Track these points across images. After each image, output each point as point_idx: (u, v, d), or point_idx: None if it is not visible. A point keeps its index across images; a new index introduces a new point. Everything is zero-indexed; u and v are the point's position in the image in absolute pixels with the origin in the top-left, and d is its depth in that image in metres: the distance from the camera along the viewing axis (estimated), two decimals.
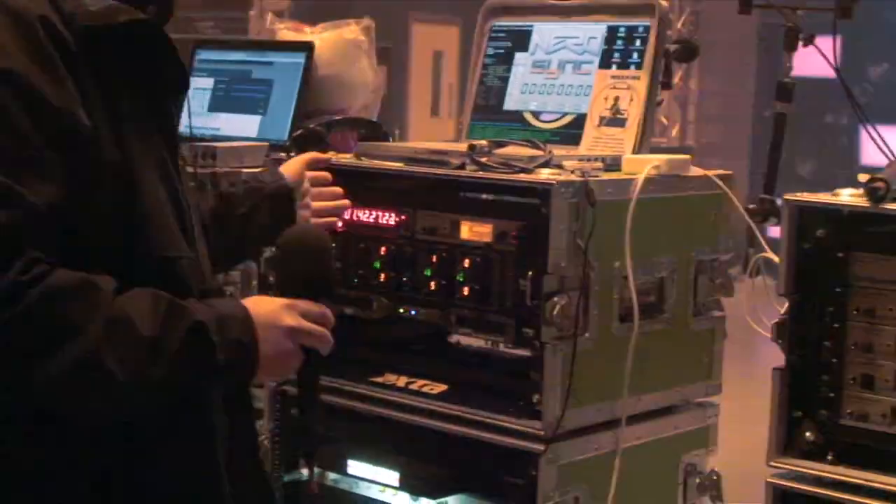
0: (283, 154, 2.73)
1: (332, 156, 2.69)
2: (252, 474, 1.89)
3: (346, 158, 2.69)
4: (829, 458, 2.06)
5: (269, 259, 2.68)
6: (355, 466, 2.59)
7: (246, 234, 2.31)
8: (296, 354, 1.76)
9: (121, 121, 1.66)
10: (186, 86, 1.84)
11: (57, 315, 1.52)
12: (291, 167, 2.46)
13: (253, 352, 1.68)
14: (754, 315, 2.36)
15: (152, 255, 1.67)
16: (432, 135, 11.16)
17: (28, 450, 1.62)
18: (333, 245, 2.01)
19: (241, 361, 1.68)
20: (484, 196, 2.42)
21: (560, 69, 2.79)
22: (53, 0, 1.63)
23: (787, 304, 2.11)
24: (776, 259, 2.16)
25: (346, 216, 2.60)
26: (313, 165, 2.51)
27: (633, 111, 2.65)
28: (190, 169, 3.33)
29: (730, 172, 2.64)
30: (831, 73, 3.81)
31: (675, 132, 12.91)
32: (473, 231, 2.42)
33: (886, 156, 2.72)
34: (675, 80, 11.80)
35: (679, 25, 12.60)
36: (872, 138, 3.04)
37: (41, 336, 1.52)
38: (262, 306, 1.75)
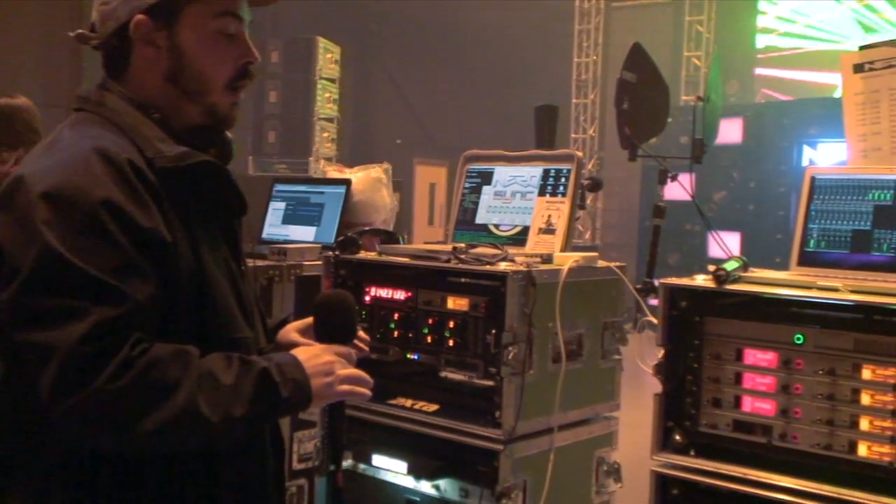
0: (330, 252, 2.71)
1: (362, 254, 2.69)
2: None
3: (373, 255, 2.69)
4: (692, 453, 2.04)
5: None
6: (377, 459, 2.57)
7: None
8: (343, 378, 1.58)
9: (195, 236, 1.53)
10: (244, 210, 1.66)
11: (160, 377, 1.38)
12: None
13: (307, 385, 1.53)
14: (641, 358, 2.36)
15: (223, 336, 1.54)
16: (429, 238, 11.21)
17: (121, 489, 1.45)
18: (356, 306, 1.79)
19: (299, 394, 1.52)
20: (463, 280, 2.42)
21: (513, 196, 2.81)
22: (138, 148, 1.50)
23: (663, 351, 2.10)
24: (655, 321, 2.16)
25: (372, 294, 2.59)
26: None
27: (560, 224, 2.66)
28: (260, 263, 3.19)
29: (624, 264, 2.65)
30: (689, 198, 3.84)
31: (588, 236, 12.99)
32: (456, 303, 2.42)
33: (725, 252, 2.73)
34: (588, 202, 11.92)
35: (589, 167, 12.73)
36: (716, 240, 3.06)
37: (150, 394, 1.37)
38: (306, 352, 1.59)
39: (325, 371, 1.56)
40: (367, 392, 1.62)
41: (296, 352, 1.59)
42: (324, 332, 1.69)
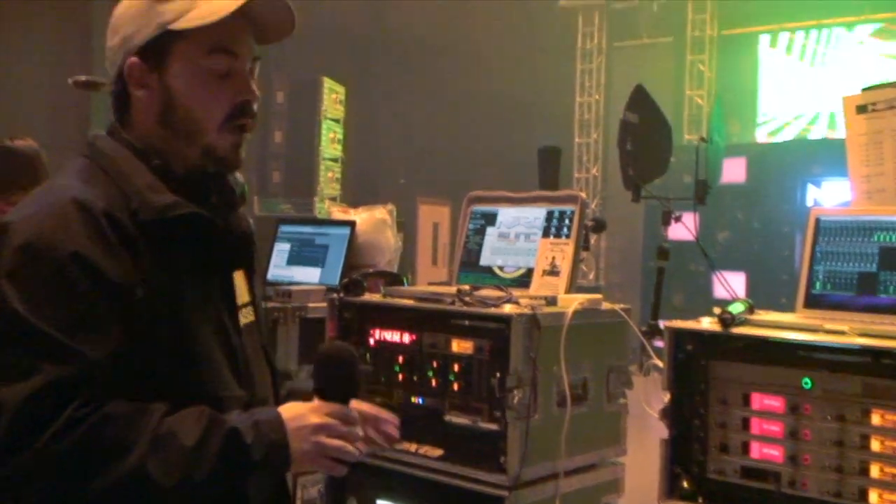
0: (334, 294, 2.70)
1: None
2: None
3: (377, 297, 2.68)
4: (700, 500, 2.01)
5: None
6: None
7: None
8: (327, 448, 1.47)
9: (179, 289, 1.45)
10: (236, 264, 1.58)
11: (105, 439, 1.32)
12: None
13: (284, 448, 1.43)
14: (647, 401, 2.33)
15: (207, 394, 1.45)
16: (433, 278, 11.20)
17: None
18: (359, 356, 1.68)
19: (275, 456, 1.42)
20: (467, 322, 2.40)
21: (517, 238, 2.80)
22: (124, 198, 1.45)
23: (669, 395, 2.08)
24: (661, 364, 2.14)
25: (377, 336, 2.57)
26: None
27: (564, 266, 2.66)
28: (265, 304, 3.08)
29: (628, 306, 2.64)
30: (693, 238, 3.84)
31: (591, 276, 12.96)
32: (460, 346, 2.40)
33: (729, 292, 2.72)
34: (592, 242, 11.91)
35: (593, 206, 12.75)
36: (720, 280, 3.05)
37: (94, 456, 1.31)
38: (292, 410, 1.48)
39: (308, 436, 1.46)
40: (343, 470, 1.51)
41: (283, 408, 1.49)
42: (321, 388, 1.56)
